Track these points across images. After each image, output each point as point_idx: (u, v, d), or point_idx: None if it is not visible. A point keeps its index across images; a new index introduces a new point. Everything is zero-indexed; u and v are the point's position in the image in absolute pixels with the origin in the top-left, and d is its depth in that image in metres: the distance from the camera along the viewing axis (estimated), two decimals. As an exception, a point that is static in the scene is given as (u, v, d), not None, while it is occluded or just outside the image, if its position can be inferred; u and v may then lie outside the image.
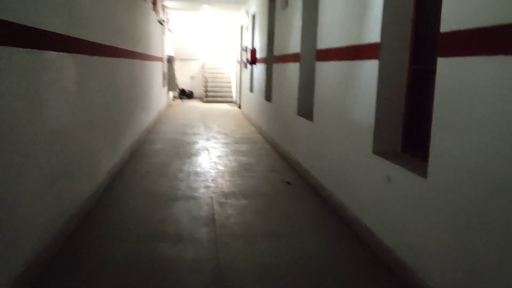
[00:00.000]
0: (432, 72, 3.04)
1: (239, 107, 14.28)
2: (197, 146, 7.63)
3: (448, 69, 2.43)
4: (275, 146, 7.43)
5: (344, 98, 4.10)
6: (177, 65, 17.25)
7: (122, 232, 3.68)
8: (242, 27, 13.27)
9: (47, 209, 3.10)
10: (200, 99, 17.36)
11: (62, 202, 3.39)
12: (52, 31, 3.16)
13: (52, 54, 3.14)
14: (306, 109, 5.83)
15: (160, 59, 11.94)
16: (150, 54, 9.16)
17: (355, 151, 3.86)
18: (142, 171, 5.73)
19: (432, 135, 2.60)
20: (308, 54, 5.76)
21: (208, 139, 8.33)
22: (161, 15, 12.31)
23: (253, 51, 10.07)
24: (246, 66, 11.96)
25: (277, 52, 7.49)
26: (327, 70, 4.66)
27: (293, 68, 6.16)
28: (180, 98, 17.12)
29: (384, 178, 3.25)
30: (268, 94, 8.61)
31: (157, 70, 11.08)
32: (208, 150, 7.29)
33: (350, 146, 3.99)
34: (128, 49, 6.30)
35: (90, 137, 4.27)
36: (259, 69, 9.60)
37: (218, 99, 16.60)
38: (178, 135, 8.77)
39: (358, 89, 3.77)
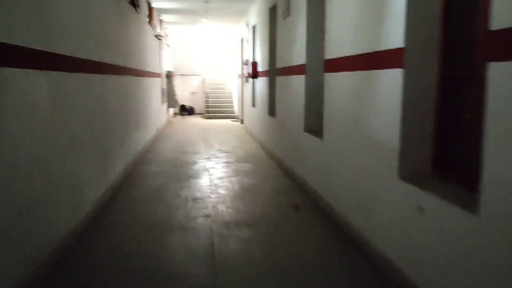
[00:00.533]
0: (467, 79, 2.53)
1: (242, 122, 13.80)
2: (197, 166, 7.10)
3: (507, 75, 1.90)
4: (281, 164, 6.89)
5: (360, 113, 3.58)
6: (177, 81, 16.84)
7: (104, 276, 3.13)
8: (242, 40, 12.87)
9: (5, 258, 2.56)
10: (201, 115, 16.91)
11: (27, 246, 2.86)
12: (12, 43, 2.67)
13: (13, 72, 2.64)
14: (314, 126, 5.31)
15: (158, 75, 11.50)
16: (145, 70, 8.71)
17: (375, 174, 3.32)
18: (135, 197, 5.20)
19: (484, 157, 2.06)
20: (315, 65, 5.26)
21: (209, 158, 7.81)
22: (159, 30, 11.93)
23: (254, 64, 9.62)
24: (247, 80, 11.51)
25: (280, 64, 7.01)
26: (338, 82, 4.15)
27: (298, 81, 5.66)
28: (181, 114, 16.66)
29: (414, 208, 2.71)
30: (271, 109, 8.11)
31: (155, 86, 10.63)
32: (208, 170, 6.75)
33: (369, 168, 3.45)
34: (118, 64, 5.83)
35: (72, 164, 3.76)
36: (261, 83, 9.12)
37: (220, 114, 16.14)
38: (177, 154, 8.25)
39: (378, 102, 3.25)
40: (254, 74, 9.63)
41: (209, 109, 16.35)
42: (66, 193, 3.60)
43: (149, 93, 9.39)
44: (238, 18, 12.65)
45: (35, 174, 2.94)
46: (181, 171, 6.69)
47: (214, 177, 6.27)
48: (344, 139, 3.99)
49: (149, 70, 9.28)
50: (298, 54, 5.70)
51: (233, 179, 6.17)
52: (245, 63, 11.72)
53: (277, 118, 7.36)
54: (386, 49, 3.09)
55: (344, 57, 3.97)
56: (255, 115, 10.25)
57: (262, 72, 8.95)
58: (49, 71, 3.18)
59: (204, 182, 6.01)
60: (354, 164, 3.75)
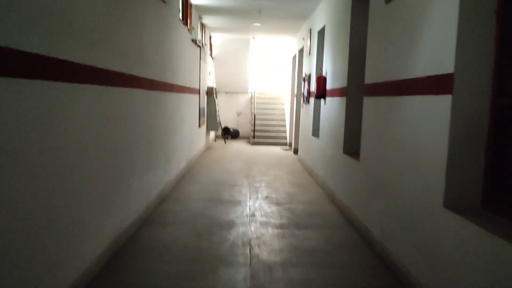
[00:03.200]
0: None
1: (295, 152, 11.19)
2: (234, 234, 4.51)
3: None
4: (374, 242, 4.19)
5: None
6: (220, 99, 14.60)
7: None
8: (302, 51, 10.36)
9: None
10: (247, 139, 14.49)
11: None
12: None
13: None
14: (473, 194, 2.62)
15: (196, 91, 9.19)
16: (174, 84, 6.36)
17: None
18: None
19: None
20: (479, 78, 2.61)
21: (253, 216, 5.24)
22: (199, 36, 9.68)
23: (321, 79, 7.03)
24: (306, 101, 8.93)
25: (372, 78, 4.39)
26: None
27: (428, 106, 3.01)
28: (224, 138, 14.30)
29: None
30: (350, 146, 5.47)
31: (190, 105, 8.30)
32: (251, 245, 4.18)
33: None
34: (122, 71, 3.44)
35: None
36: (331, 106, 6.51)
37: (268, 140, 13.62)
38: (208, 204, 5.73)
39: None
40: (321, 93, 7.04)
41: (256, 133, 13.90)
42: None
43: (180, 114, 7.04)
44: (298, 24, 10.19)
45: None
46: (208, 245, 4.14)
47: (259, 265, 3.67)
48: None
49: (180, 84, 6.94)
50: (428, 57, 3.06)
51: (294, 273, 3.53)
52: (305, 79, 9.16)
53: (363, 163, 4.69)
54: None
55: None
56: (318, 149, 7.62)
57: (333, 90, 6.36)
58: None
59: (243, 277, 3.42)
60: None
